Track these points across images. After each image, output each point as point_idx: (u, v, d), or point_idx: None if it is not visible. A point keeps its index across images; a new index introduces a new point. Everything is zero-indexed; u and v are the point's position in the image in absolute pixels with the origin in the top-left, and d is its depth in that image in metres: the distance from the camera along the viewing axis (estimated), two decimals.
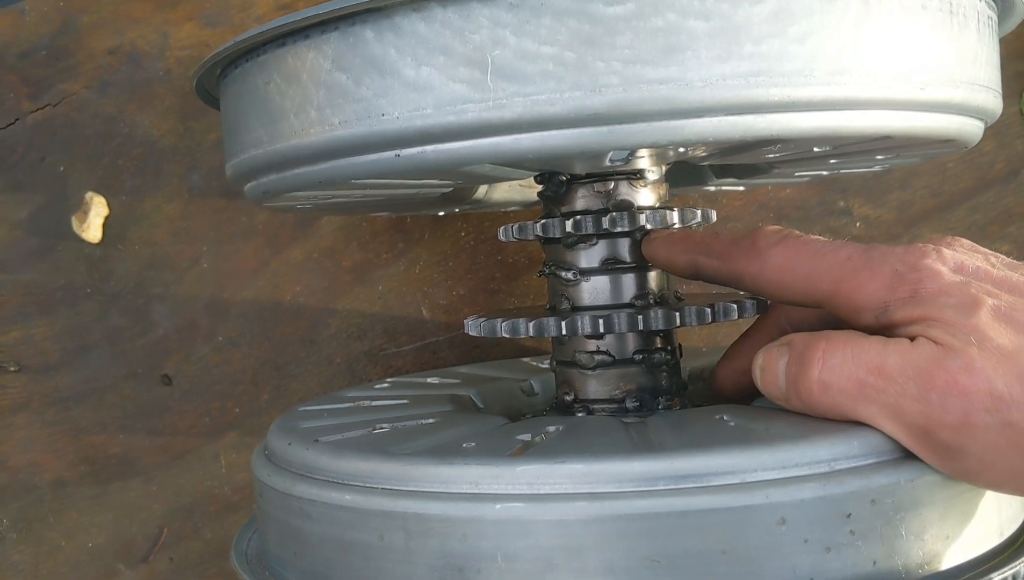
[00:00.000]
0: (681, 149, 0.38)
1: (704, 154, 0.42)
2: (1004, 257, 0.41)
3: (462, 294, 0.71)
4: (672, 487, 0.35)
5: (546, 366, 0.61)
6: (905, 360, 0.37)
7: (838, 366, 0.38)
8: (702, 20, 0.33)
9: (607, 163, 0.40)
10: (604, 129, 0.34)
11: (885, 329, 0.39)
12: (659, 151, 0.40)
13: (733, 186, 0.63)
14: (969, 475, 0.37)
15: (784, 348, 0.41)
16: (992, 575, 0.37)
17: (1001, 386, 0.35)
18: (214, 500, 0.70)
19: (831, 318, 0.43)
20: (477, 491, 0.36)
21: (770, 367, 0.41)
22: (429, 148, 0.36)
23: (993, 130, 0.71)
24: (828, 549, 0.35)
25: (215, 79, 0.46)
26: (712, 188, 0.63)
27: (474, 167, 0.38)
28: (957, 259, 0.39)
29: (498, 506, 0.35)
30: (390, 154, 0.37)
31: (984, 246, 0.66)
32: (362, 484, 0.39)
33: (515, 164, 0.38)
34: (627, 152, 0.38)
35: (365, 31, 0.36)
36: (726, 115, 0.34)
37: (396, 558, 0.37)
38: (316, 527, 0.40)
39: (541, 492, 0.36)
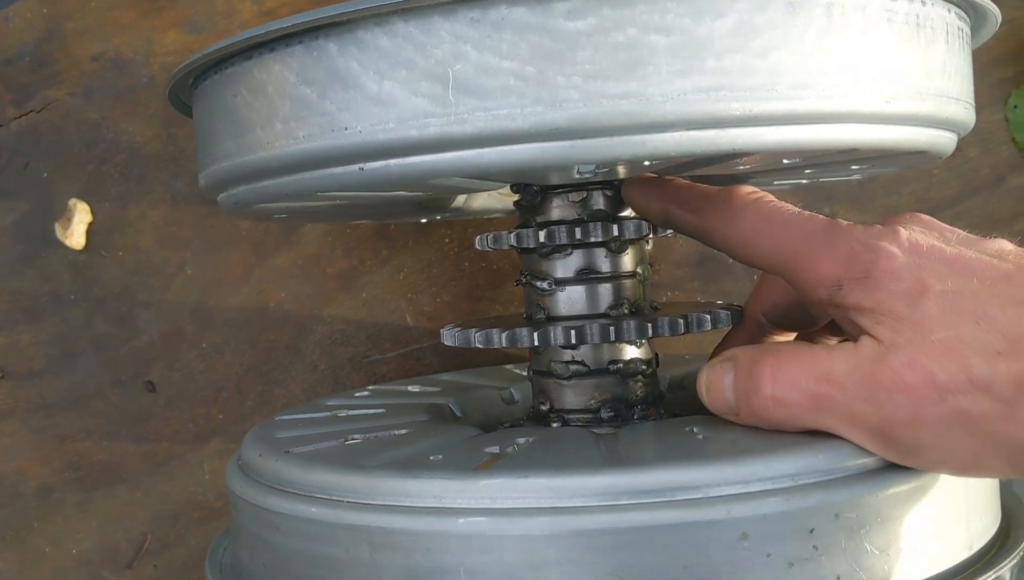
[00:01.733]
0: (647, 163, 0.38)
1: (674, 165, 0.41)
2: (961, 232, 0.41)
3: (446, 301, 0.71)
4: (635, 502, 0.35)
5: (526, 376, 0.61)
6: (851, 365, 0.37)
7: (789, 381, 0.39)
8: (663, 35, 0.33)
9: (576, 175, 0.40)
10: (566, 144, 0.34)
11: (836, 308, 0.39)
12: (629, 164, 0.40)
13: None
14: (936, 466, 0.38)
15: (728, 363, 0.41)
16: None
17: (944, 377, 0.35)
18: (198, 507, 0.71)
19: (801, 305, 0.44)
20: (441, 505, 0.36)
21: (715, 384, 0.42)
22: (392, 162, 0.36)
23: (979, 137, 0.71)
24: (791, 564, 0.35)
25: (188, 89, 0.46)
26: None
27: (440, 180, 0.38)
28: (912, 239, 0.39)
29: (461, 520, 0.35)
30: (354, 168, 0.37)
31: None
32: (329, 497, 0.39)
33: (479, 177, 0.38)
34: (593, 165, 0.38)
35: (329, 44, 0.36)
36: (688, 130, 0.34)
37: (362, 572, 0.37)
38: (285, 540, 0.40)
39: (504, 507, 0.36)
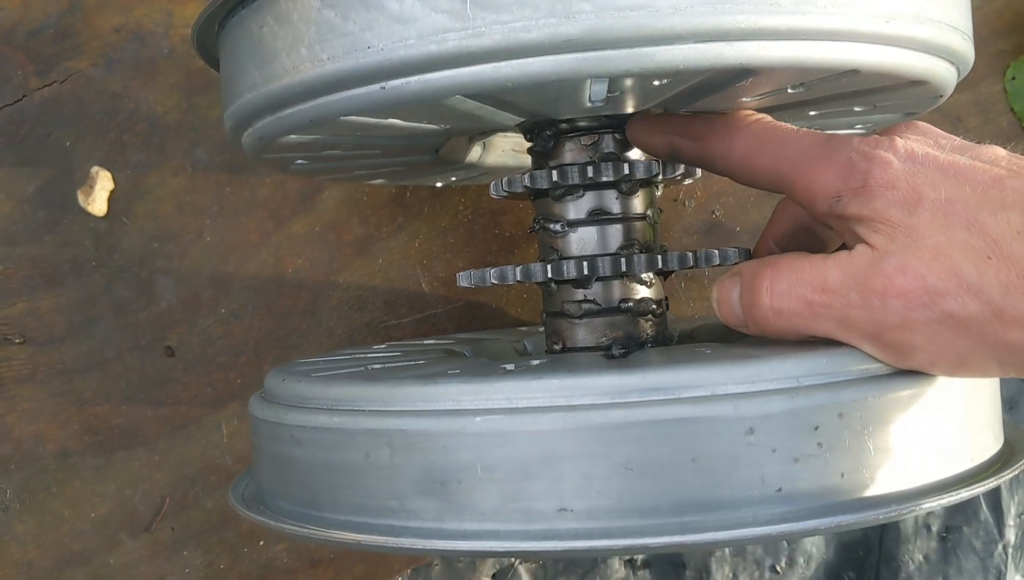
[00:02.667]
0: (656, 83, 0.40)
1: (683, 93, 0.43)
2: (956, 139, 0.42)
3: (461, 267, 0.73)
4: (644, 399, 0.36)
5: (542, 331, 0.62)
6: (845, 272, 0.39)
7: (785, 291, 0.40)
8: None
9: (588, 102, 0.42)
10: (579, 56, 0.36)
11: (837, 220, 0.41)
12: (641, 87, 0.41)
13: None
14: (927, 366, 0.39)
15: (735, 278, 0.43)
16: (960, 492, 0.39)
17: (934, 281, 0.37)
18: (216, 470, 0.72)
19: (808, 229, 0.47)
20: (458, 407, 0.38)
21: (725, 299, 0.43)
22: (413, 79, 0.37)
23: (978, 108, 0.72)
24: (796, 460, 0.36)
25: (214, 37, 0.48)
26: None
27: (457, 102, 0.40)
28: (908, 147, 0.40)
29: (478, 419, 0.37)
30: (376, 87, 0.38)
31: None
32: (349, 408, 0.40)
33: (495, 93, 0.39)
34: (605, 85, 0.39)
35: None
36: (695, 42, 0.36)
37: (381, 475, 0.38)
38: (305, 452, 0.41)
39: (519, 406, 0.37)
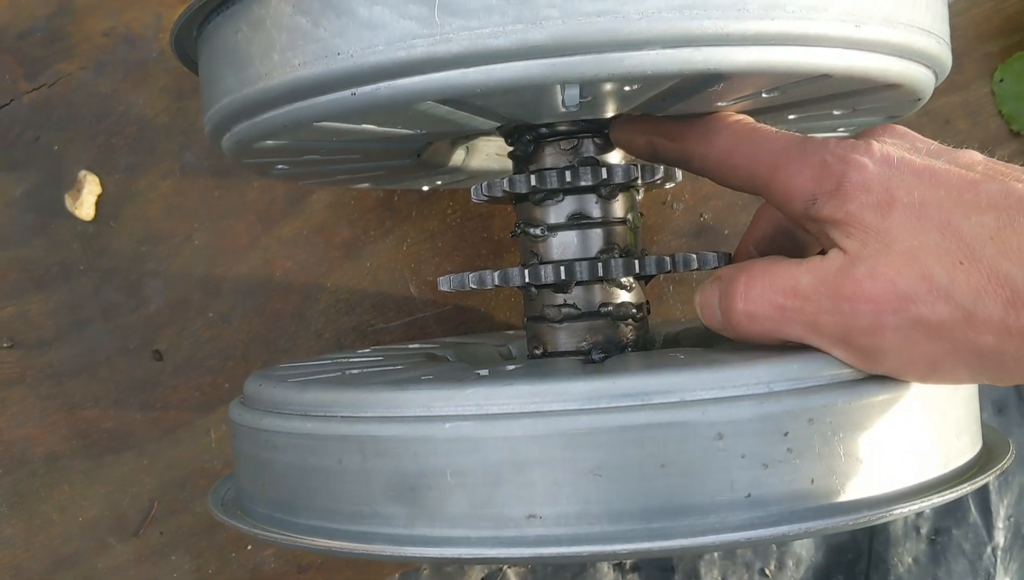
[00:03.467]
0: (627, 88, 0.40)
1: (658, 98, 0.43)
2: (933, 144, 0.42)
3: (449, 270, 0.73)
4: (613, 405, 0.36)
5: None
6: (817, 277, 0.39)
7: (758, 296, 0.40)
8: None
9: (563, 108, 0.42)
10: (546, 62, 0.36)
11: (812, 222, 0.41)
12: (614, 93, 0.41)
13: None
14: (897, 371, 0.39)
15: (716, 283, 0.43)
16: (932, 498, 0.38)
17: (904, 286, 0.37)
18: (205, 474, 0.72)
19: (787, 233, 0.47)
20: (429, 413, 0.38)
21: (706, 303, 0.43)
22: (382, 85, 0.37)
23: (967, 110, 0.72)
24: (765, 466, 0.36)
25: (193, 41, 0.48)
26: None
27: (428, 107, 0.40)
28: (883, 151, 0.40)
29: (448, 425, 0.37)
30: (346, 93, 0.38)
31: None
32: (323, 413, 0.40)
33: (467, 102, 0.40)
34: (577, 91, 0.39)
35: None
36: (663, 48, 0.36)
37: (353, 480, 0.39)
38: (281, 457, 0.41)
39: (489, 412, 0.37)
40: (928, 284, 0.36)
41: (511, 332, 0.69)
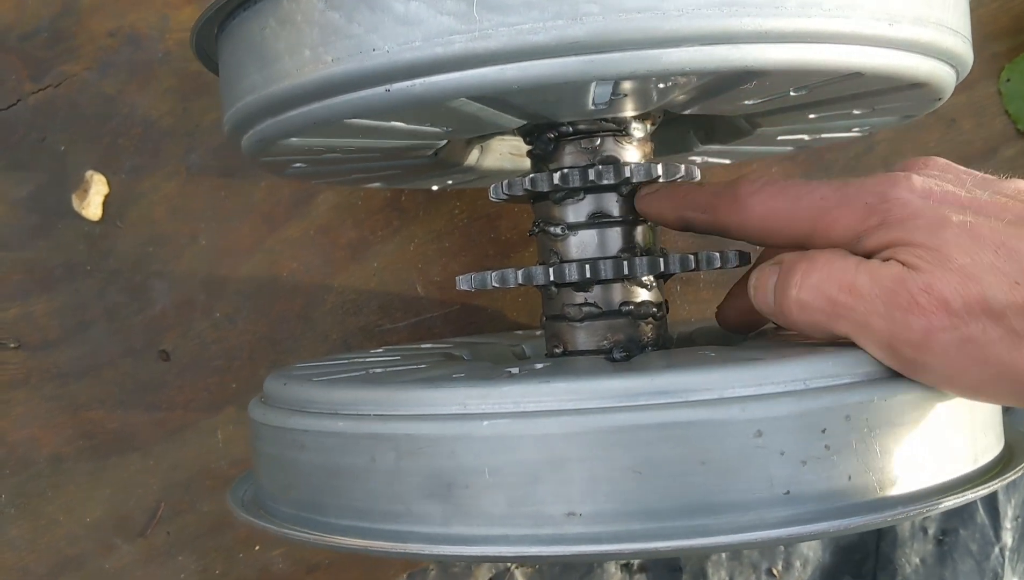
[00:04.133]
0: (661, 84, 0.40)
1: (686, 96, 0.43)
2: (977, 174, 0.42)
3: (456, 270, 0.72)
4: (652, 402, 0.36)
5: (539, 334, 0.62)
6: (874, 279, 0.38)
7: (814, 286, 0.40)
8: None
9: (591, 105, 0.42)
10: (585, 59, 0.36)
11: (864, 256, 0.40)
12: (643, 92, 0.42)
13: (718, 156, 0.64)
14: (939, 384, 0.39)
15: (775, 266, 0.43)
16: (966, 494, 0.39)
17: (958, 305, 0.36)
18: (211, 475, 0.71)
19: None
20: (465, 411, 0.38)
21: (761, 285, 0.43)
22: (418, 81, 0.37)
23: (972, 110, 0.73)
24: (804, 462, 0.36)
25: (212, 39, 0.47)
26: (697, 159, 0.64)
27: (462, 104, 0.40)
28: (926, 186, 0.40)
29: (485, 423, 0.37)
30: (380, 89, 0.38)
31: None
32: (354, 412, 0.40)
33: (501, 96, 0.39)
34: (609, 88, 0.39)
35: None
36: (701, 45, 0.36)
37: (386, 479, 0.38)
38: (309, 456, 0.41)
39: (527, 410, 0.37)
40: (982, 305, 0.36)
41: (521, 332, 0.69)
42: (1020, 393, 0.38)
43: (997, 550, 0.74)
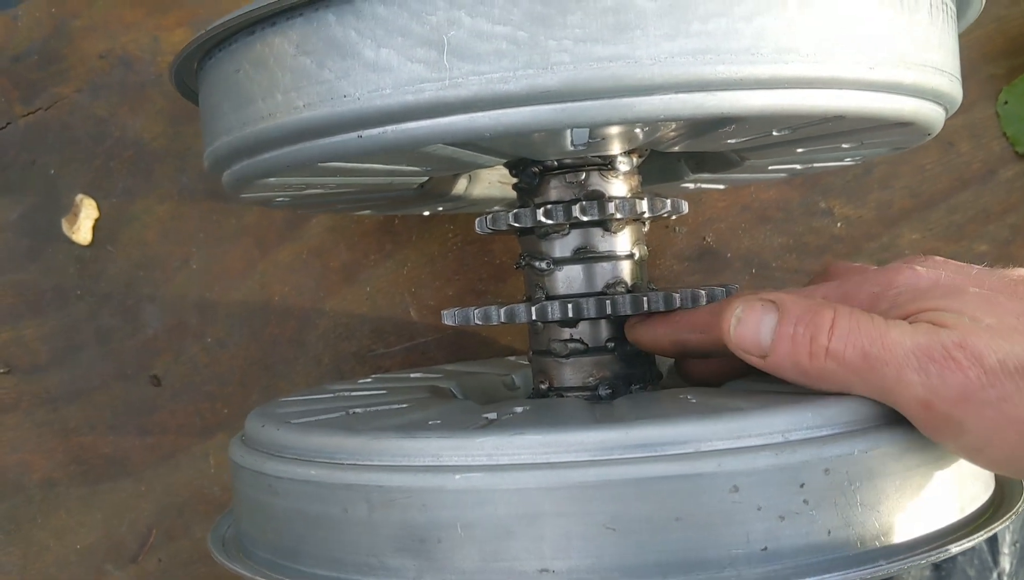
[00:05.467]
0: (639, 131, 0.39)
1: (667, 137, 0.42)
2: (977, 266, 0.42)
3: (450, 295, 0.72)
4: (627, 456, 0.36)
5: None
6: (905, 335, 0.37)
7: (846, 336, 0.38)
8: None
9: (570, 146, 0.41)
10: (557, 107, 0.35)
11: None
12: (623, 133, 0.41)
13: (711, 183, 0.64)
14: (971, 452, 0.38)
15: (770, 305, 0.41)
16: (949, 547, 0.38)
17: (992, 362, 0.36)
18: (204, 500, 0.71)
19: None
20: (438, 463, 0.37)
21: (751, 320, 0.41)
22: (390, 128, 0.37)
23: (970, 132, 0.72)
24: (782, 518, 0.36)
25: (193, 73, 0.47)
26: (690, 185, 0.64)
27: (436, 149, 0.39)
28: (931, 271, 0.40)
29: (458, 476, 0.36)
30: (353, 135, 0.38)
31: (963, 245, 0.66)
32: (328, 460, 0.40)
33: (474, 143, 0.39)
34: (586, 133, 0.39)
35: (328, 15, 0.37)
36: (676, 93, 0.35)
37: (360, 530, 0.38)
38: (284, 503, 0.41)
39: (500, 463, 0.36)
40: (1015, 362, 0.35)
41: (513, 358, 0.68)
42: None
43: (995, 575, 0.73)
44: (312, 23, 0.37)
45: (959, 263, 0.42)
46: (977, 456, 0.38)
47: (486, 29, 0.35)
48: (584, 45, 0.34)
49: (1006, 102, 0.71)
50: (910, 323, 0.38)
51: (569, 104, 0.35)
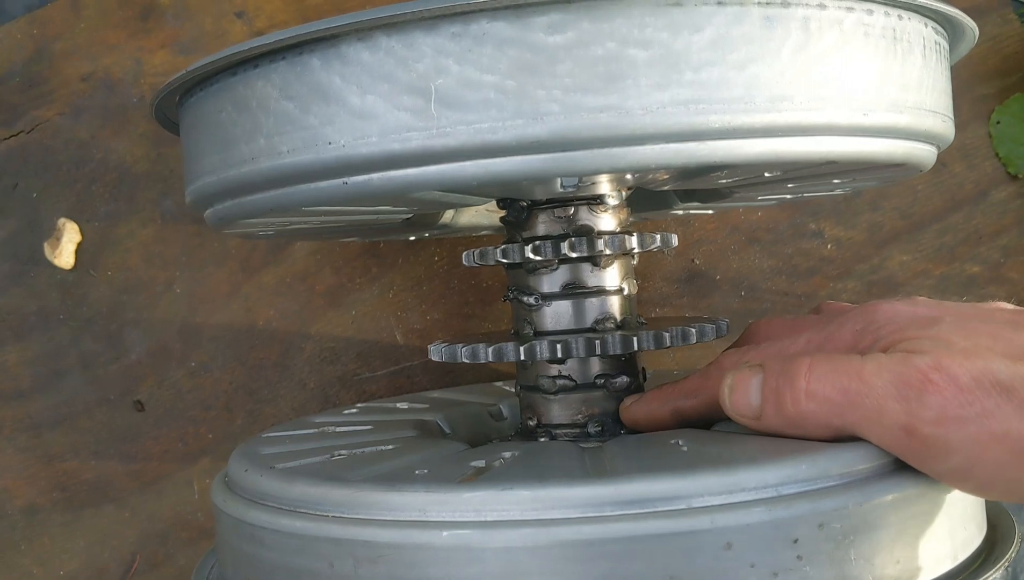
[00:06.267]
0: (629, 176, 0.38)
1: (658, 179, 0.42)
2: (955, 302, 0.43)
3: (436, 318, 0.71)
4: (619, 512, 0.35)
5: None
6: (882, 366, 0.38)
7: (823, 376, 0.39)
8: (641, 49, 0.34)
9: (560, 189, 0.40)
10: (547, 157, 0.34)
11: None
12: (613, 176, 0.40)
13: (700, 210, 0.63)
14: (958, 476, 0.37)
15: (756, 367, 0.42)
16: None
17: (968, 380, 0.36)
18: (187, 526, 0.70)
19: None
20: (425, 518, 0.36)
21: (741, 386, 0.42)
22: (375, 176, 0.36)
23: (962, 152, 0.71)
24: (775, 574, 0.35)
25: (175, 106, 0.46)
26: (680, 212, 0.63)
27: (423, 194, 0.38)
28: (910, 305, 0.41)
29: (445, 533, 0.35)
30: (337, 182, 0.37)
31: (954, 267, 0.66)
32: (312, 511, 0.39)
33: (461, 191, 0.38)
34: (576, 178, 0.38)
35: (312, 59, 0.36)
36: (667, 142, 0.34)
37: None
38: (268, 554, 0.40)
39: (488, 519, 0.36)
40: (991, 379, 0.36)
41: (499, 384, 0.67)
42: None
43: None
44: (296, 67, 0.37)
45: (937, 303, 0.43)
46: (966, 480, 0.38)
47: (474, 78, 0.34)
48: (574, 95, 0.34)
49: (998, 122, 0.71)
50: (888, 354, 0.39)
51: (559, 154, 0.34)
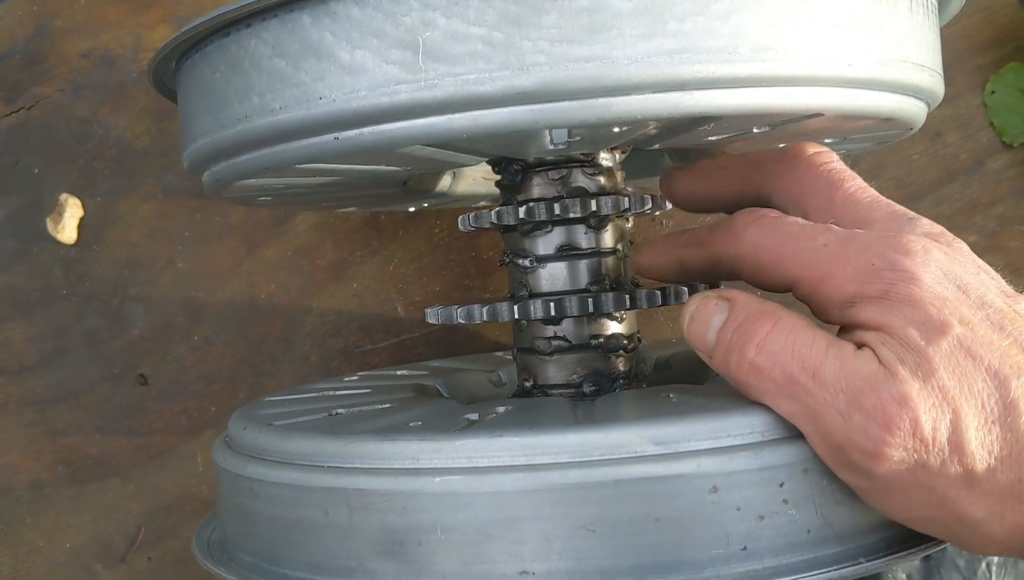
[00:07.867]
0: (616, 129, 0.39)
1: (647, 134, 0.42)
2: (997, 285, 0.38)
3: (437, 291, 0.72)
4: (606, 457, 0.36)
5: None
6: (842, 370, 0.35)
7: (775, 354, 0.36)
8: None
9: (550, 145, 0.41)
10: (533, 108, 0.35)
11: (848, 324, 0.38)
12: (603, 132, 0.41)
13: None
14: (870, 497, 0.36)
15: (723, 303, 0.39)
16: (926, 546, 0.38)
17: (928, 428, 0.34)
18: (192, 499, 0.71)
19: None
20: (417, 466, 0.37)
21: (702, 319, 0.39)
22: (366, 130, 0.37)
23: (958, 122, 0.72)
24: (761, 517, 0.35)
25: (171, 72, 0.47)
26: None
27: (414, 149, 0.39)
28: (942, 269, 0.36)
29: (437, 479, 0.36)
30: (329, 137, 0.37)
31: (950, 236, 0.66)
32: (308, 463, 0.39)
33: (451, 145, 0.39)
34: (565, 132, 0.38)
35: (303, 17, 0.37)
36: (652, 92, 0.35)
37: (340, 534, 0.38)
38: (265, 507, 0.40)
39: (479, 465, 0.36)
40: (952, 438, 0.34)
41: (500, 354, 0.68)
42: (956, 535, 0.35)
43: (984, 565, 0.73)
44: (287, 25, 0.37)
45: (976, 270, 0.38)
46: (876, 503, 0.36)
47: (461, 30, 0.34)
48: (560, 46, 0.34)
49: (993, 92, 0.71)
50: (858, 345, 0.36)
51: (546, 105, 0.35)
